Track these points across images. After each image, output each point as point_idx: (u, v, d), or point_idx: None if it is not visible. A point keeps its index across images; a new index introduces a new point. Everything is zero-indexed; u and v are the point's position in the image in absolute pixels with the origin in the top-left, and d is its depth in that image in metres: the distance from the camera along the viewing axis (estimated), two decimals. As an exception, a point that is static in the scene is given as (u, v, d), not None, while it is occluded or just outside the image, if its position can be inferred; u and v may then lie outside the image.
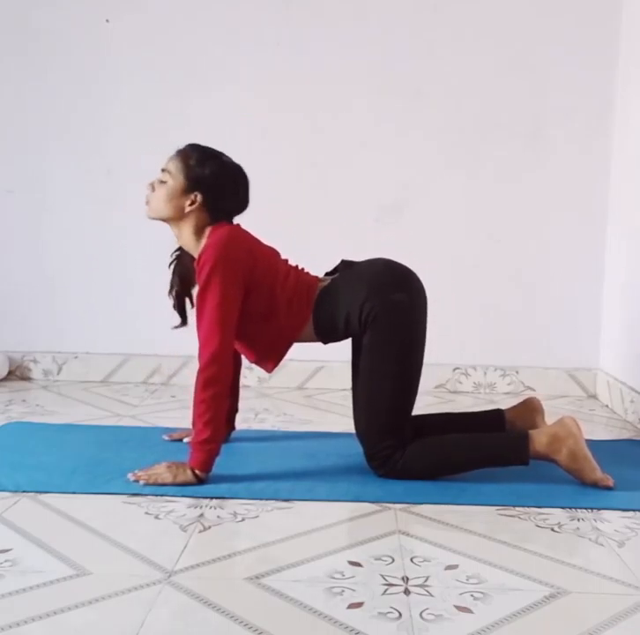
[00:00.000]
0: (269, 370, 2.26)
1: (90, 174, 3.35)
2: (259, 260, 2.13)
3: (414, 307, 2.12)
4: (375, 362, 2.08)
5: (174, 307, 2.31)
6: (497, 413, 2.32)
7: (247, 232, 2.19)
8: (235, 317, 2.07)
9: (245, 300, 2.09)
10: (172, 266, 2.31)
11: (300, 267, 2.24)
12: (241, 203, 2.20)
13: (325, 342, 2.21)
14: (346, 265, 2.22)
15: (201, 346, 2.04)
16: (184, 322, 2.32)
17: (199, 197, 2.12)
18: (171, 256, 2.31)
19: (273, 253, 2.22)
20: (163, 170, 2.16)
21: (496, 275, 3.31)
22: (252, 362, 2.28)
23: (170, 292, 2.31)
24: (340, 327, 2.13)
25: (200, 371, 2.02)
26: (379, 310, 2.06)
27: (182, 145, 2.20)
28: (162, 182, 2.15)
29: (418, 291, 2.15)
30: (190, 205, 2.12)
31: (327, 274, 2.25)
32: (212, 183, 2.13)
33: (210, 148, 2.20)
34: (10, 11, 3.31)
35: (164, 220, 2.17)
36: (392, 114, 3.27)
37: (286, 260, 2.24)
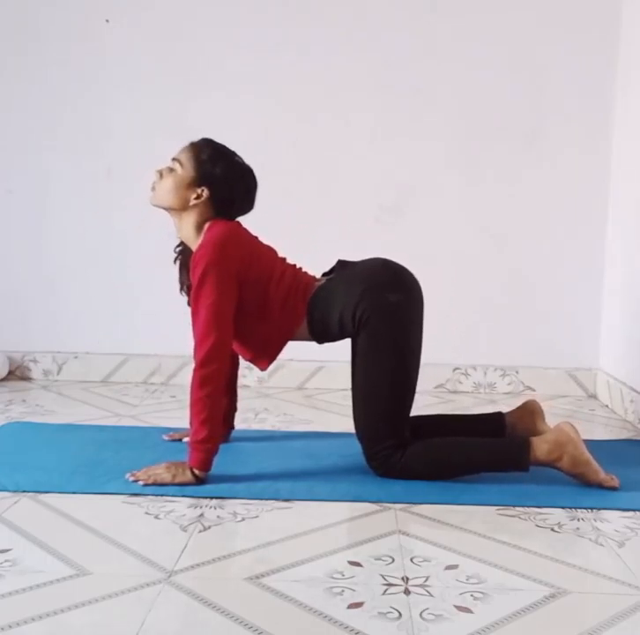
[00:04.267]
0: (263, 369, 2.24)
1: (90, 174, 3.35)
2: (255, 258, 2.12)
3: (410, 307, 2.12)
4: (371, 362, 2.08)
5: (188, 303, 2.23)
6: (498, 416, 2.31)
7: (244, 229, 2.19)
8: (231, 315, 2.06)
9: (239, 298, 2.09)
10: (177, 263, 2.30)
11: (298, 267, 2.24)
12: (247, 205, 2.20)
13: (320, 342, 2.20)
14: (342, 266, 2.21)
15: (197, 344, 2.04)
16: None
17: (205, 193, 2.12)
18: (174, 251, 2.30)
19: (270, 252, 2.21)
20: (174, 159, 2.16)
21: (496, 275, 3.31)
22: (247, 360, 2.27)
23: (182, 289, 2.28)
24: (334, 328, 2.13)
25: (196, 369, 2.02)
26: (373, 311, 2.06)
27: (194, 138, 2.20)
28: (171, 170, 2.14)
29: (414, 291, 2.15)
30: (196, 198, 2.12)
31: (324, 275, 2.24)
32: (222, 181, 2.13)
33: (223, 146, 2.20)
34: (10, 11, 3.31)
35: (167, 209, 2.17)
36: (392, 114, 3.27)
37: (284, 259, 2.23)
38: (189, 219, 2.15)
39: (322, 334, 2.17)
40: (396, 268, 2.17)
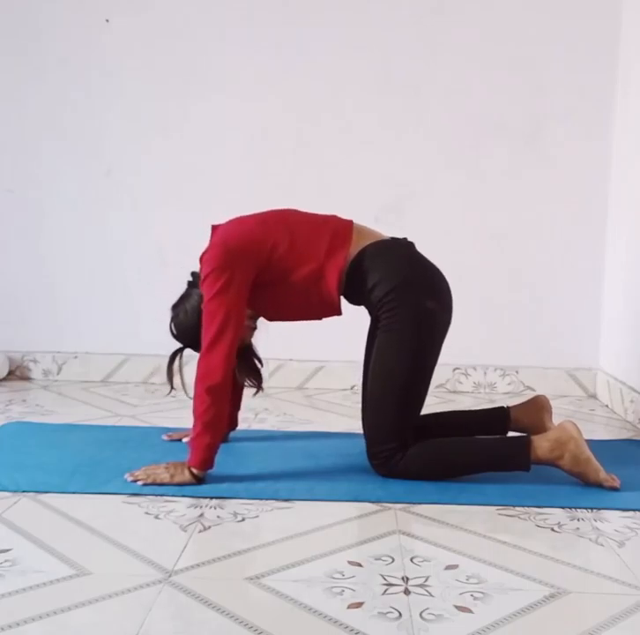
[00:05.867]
0: (339, 314, 2.18)
1: (90, 174, 3.35)
2: (262, 240, 2.09)
3: (441, 319, 2.13)
4: (388, 362, 2.07)
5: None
6: (501, 411, 2.31)
7: (241, 221, 2.16)
8: (239, 307, 2.04)
9: (270, 275, 2.08)
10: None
11: (329, 214, 2.21)
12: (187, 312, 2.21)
13: (345, 295, 2.15)
14: (408, 242, 2.21)
15: (206, 326, 2.02)
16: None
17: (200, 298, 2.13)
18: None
19: (279, 216, 2.17)
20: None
21: (496, 275, 3.31)
22: (320, 319, 2.23)
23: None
24: (366, 286, 2.09)
25: (200, 360, 2.01)
26: (404, 306, 2.05)
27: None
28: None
29: (449, 308, 2.16)
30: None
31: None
32: (190, 318, 2.17)
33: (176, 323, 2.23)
34: (10, 11, 3.31)
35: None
36: (392, 114, 3.27)
37: (295, 211, 2.20)
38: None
39: (352, 286, 2.11)
40: (444, 280, 2.18)
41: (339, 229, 2.15)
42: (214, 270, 2.02)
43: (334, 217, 2.21)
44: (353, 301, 2.19)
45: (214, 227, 2.18)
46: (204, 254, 2.10)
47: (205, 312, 2.03)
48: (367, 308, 2.17)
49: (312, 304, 2.16)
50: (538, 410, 2.27)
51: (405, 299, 2.06)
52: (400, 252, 2.16)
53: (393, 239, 2.20)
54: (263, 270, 2.08)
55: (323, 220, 2.18)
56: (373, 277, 2.09)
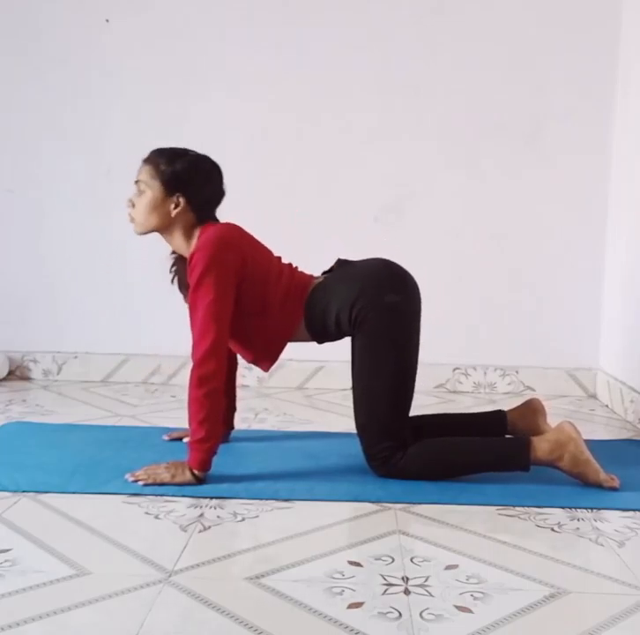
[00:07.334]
0: (265, 370, 2.25)
1: (90, 174, 3.35)
2: (251, 258, 2.11)
3: (408, 309, 2.11)
4: (369, 363, 2.08)
5: (186, 301, 2.21)
6: (499, 414, 2.31)
7: (239, 229, 2.17)
8: (229, 314, 2.06)
9: (238, 298, 2.09)
10: (175, 281, 2.28)
11: (294, 266, 2.23)
12: (218, 190, 2.19)
13: (319, 342, 2.20)
14: (341, 264, 2.21)
15: (195, 342, 2.03)
16: None
17: (182, 200, 2.10)
18: (170, 271, 2.27)
19: (266, 251, 2.20)
20: (137, 182, 2.14)
21: (496, 275, 3.31)
22: (249, 361, 2.27)
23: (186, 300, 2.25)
24: (331, 327, 2.13)
25: (194, 368, 2.02)
26: (370, 311, 2.06)
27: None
28: (141, 192, 2.13)
29: (412, 293, 2.14)
30: (175, 208, 2.10)
31: (324, 273, 2.24)
32: (188, 178, 2.11)
33: (175, 148, 2.18)
34: (10, 11, 3.31)
35: (153, 231, 2.16)
36: (392, 114, 3.27)
37: (280, 258, 2.22)
38: (177, 230, 2.14)
39: (320, 333, 2.17)
40: (395, 269, 2.16)
41: (299, 293, 2.15)
42: (204, 275, 2.01)
43: (298, 272, 2.22)
44: (338, 338, 2.19)
45: (202, 229, 2.16)
46: (192, 255, 2.08)
47: (200, 321, 2.02)
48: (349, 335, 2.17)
49: (258, 345, 2.20)
50: (532, 414, 2.27)
51: (367, 306, 2.06)
52: (336, 277, 2.16)
53: (324, 272, 2.22)
54: (244, 280, 2.09)
55: (293, 275, 2.18)
56: (330, 313, 2.11)
